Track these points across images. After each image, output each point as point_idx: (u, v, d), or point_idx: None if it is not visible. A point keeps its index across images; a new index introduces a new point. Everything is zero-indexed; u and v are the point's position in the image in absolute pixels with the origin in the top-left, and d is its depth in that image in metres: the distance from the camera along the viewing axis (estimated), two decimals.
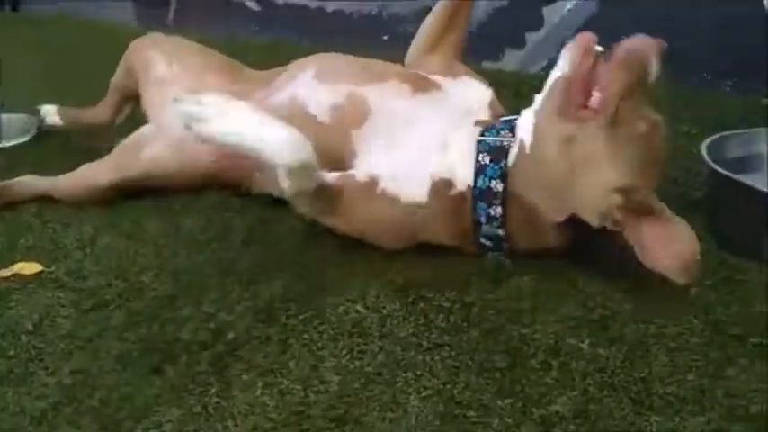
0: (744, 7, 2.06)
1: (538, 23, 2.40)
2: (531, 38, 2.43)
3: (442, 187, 1.11)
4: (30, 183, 1.42)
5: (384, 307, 1.06)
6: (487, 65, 2.52)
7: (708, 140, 1.31)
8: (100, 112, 1.64)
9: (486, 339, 0.98)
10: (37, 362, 0.99)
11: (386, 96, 1.17)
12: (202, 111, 1.05)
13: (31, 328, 1.06)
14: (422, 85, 1.19)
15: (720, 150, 1.32)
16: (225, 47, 3.00)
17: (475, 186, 1.09)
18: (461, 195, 1.11)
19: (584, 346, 0.95)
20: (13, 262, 1.22)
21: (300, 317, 1.04)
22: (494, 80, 2.25)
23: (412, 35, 2.68)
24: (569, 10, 2.33)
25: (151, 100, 1.44)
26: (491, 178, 1.08)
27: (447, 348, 0.97)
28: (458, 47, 1.36)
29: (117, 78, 1.59)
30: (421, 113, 1.16)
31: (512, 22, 2.46)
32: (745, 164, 1.33)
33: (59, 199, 1.40)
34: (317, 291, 1.11)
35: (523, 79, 2.30)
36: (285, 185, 1.08)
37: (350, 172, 1.15)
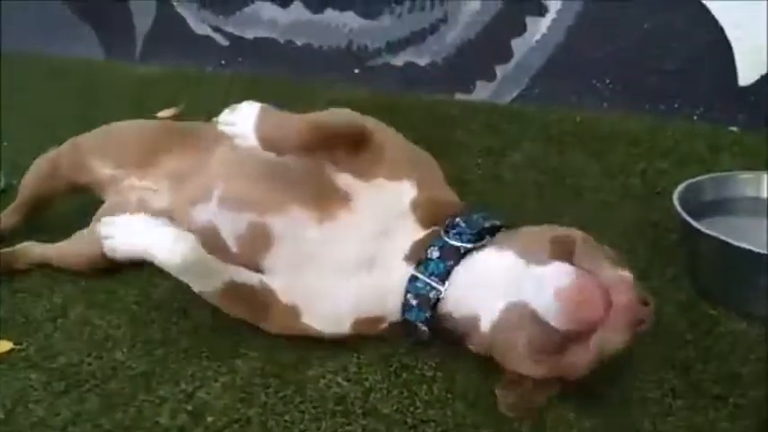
0: (708, 35, 2.10)
1: (507, 55, 2.42)
2: (501, 69, 2.45)
3: (367, 323, 1.09)
4: (31, 250, 1.38)
5: (366, 379, 1.05)
6: (460, 96, 2.55)
7: (681, 186, 1.33)
8: (5, 220, 1.49)
9: (472, 412, 0.97)
10: None
11: (289, 227, 1.08)
12: (109, 229, 1.08)
13: (2, 415, 1.02)
14: (327, 210, 1.07)
15: (694, 194, 1.34)
16: (194, 80, 3.00)
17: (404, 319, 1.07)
18: (392, 325, 1.09)
19: (571, 416, 0.95)
20: None
21: (280, 394, 1.02)
22: (466, 111, 2.30)
23: (383, 68, 2.72)
24: (537, 41, 2.35)
25: (112, 196, 1.40)
26: (417, 319, 1.05)
27: (432, 425, 0.95)
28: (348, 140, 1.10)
29: (36, 182, 1.47)
30: (331, 245, 1.07)
31: (481, 54, 2.48)
32: (717, 207, 1.35)
33: (59, 266, 1.35)
34: (297, 362, 1.09)
35: (494, 110, 2.33)
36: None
37: (270, 287, 1.09)
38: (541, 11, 2.32)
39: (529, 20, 2.35)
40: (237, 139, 1.05)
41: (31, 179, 1.48)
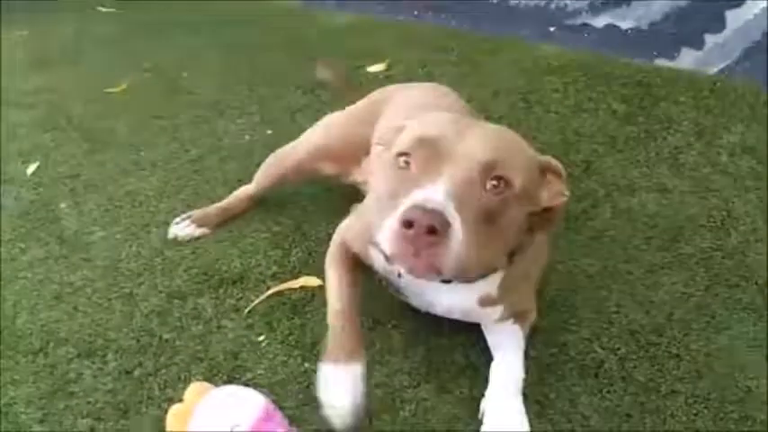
0: None
1: (720, 26, 2.41)
2: (712, 39, 2.45)
3: None
4: None
5: (619, 349, 1.27)
6: (661, 62, 2.58)
7: None
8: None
9: (716, 389, 1.17)
10: None
11: None
12: None
13: None
14: None
15: None
16: (390, 30, 3.14)
17: None
18: None
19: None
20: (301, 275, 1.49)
21: (547, 352, 1.27)
22: (669, 79, 2.32)
23: (580, 28, 2.77)
24: (755, 14, 2.32)
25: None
26: None
27: (682, 396, 1.16)
28: None
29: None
30: None
31: (690, 22, 2.48)
32: None
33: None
34: (556, 327, 1.33)
35: (700, 84, 2.34)
36: None
37: None
38: None
39: None
40: None
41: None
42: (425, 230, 0.89)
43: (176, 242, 1.63)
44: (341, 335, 1.17)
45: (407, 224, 0.90)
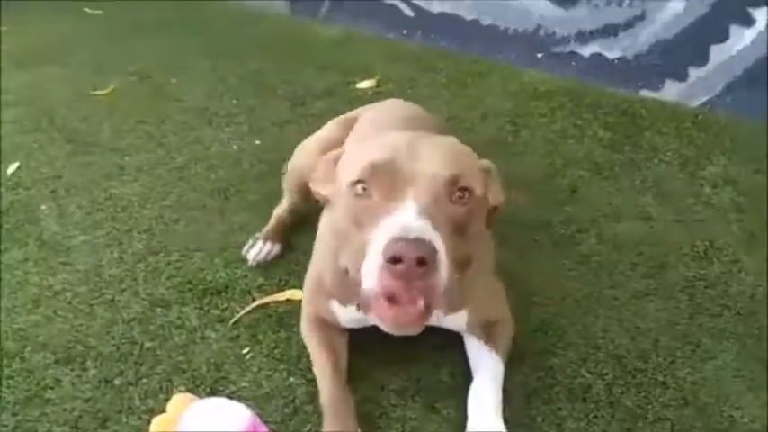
0: None
1: (703, 60, 2.47)
2: (695, 72, 2.50)
3: None
4: None
5: (606, 374, 1.27)
6: (646, 93, 2.63)
7: None
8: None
9: (702, 417, 1.18)
10: None
11: None
12: None
13: None
14: None
15: None
16: (379, 47, 3.16)
17: None
18: None
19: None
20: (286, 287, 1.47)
21: (534, 376, 1.27)
22: (653, 109, 2.37)
23: (567, 56, 2.82)
24: (738, 51, 2.39)
25: None
26: None
27: (669, 423, 1.17)
28: None
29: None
30: None
31: (675, 55, 2.54)
32: None
33: None
34: (541, 351, 1.33)
35: (684, 116, 2.39)
36: None
37: None
38: (748, 21, 2.35)
39: (733, 28, 2.38)
40: None
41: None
42: (415, 262, 0.88)
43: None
44: (334, 419, 1.13)
45: (395, 260, 0.88)
